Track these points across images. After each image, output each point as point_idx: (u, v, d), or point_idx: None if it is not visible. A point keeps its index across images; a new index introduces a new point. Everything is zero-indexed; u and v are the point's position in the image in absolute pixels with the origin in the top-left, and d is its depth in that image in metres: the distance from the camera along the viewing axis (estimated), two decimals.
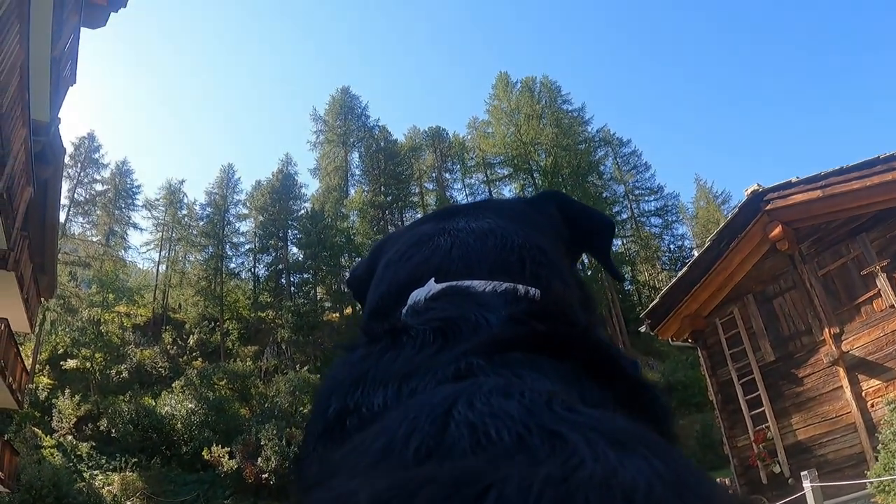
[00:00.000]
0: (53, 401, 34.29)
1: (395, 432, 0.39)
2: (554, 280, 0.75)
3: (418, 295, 0.71)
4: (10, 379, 17.51)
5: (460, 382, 0.49)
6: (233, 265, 56.46)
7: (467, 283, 0.71)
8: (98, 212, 55.96)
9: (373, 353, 0.60)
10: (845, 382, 10.65)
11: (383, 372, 0.56)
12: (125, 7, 14.70)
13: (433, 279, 0.73)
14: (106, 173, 57.64)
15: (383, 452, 0.38)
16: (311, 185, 66.92)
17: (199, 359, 43.21)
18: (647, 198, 60.60)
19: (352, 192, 61.54)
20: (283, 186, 59.77)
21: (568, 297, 0.75)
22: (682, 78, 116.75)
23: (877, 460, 9.09)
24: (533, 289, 0.70)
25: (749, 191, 12.12)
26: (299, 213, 58.73)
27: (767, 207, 11.77)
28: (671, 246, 58.46)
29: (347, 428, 0.53)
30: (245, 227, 59.64)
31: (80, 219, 55.29)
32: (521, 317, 0.62)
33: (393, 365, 0.57)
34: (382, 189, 60.24)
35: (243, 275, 56.78)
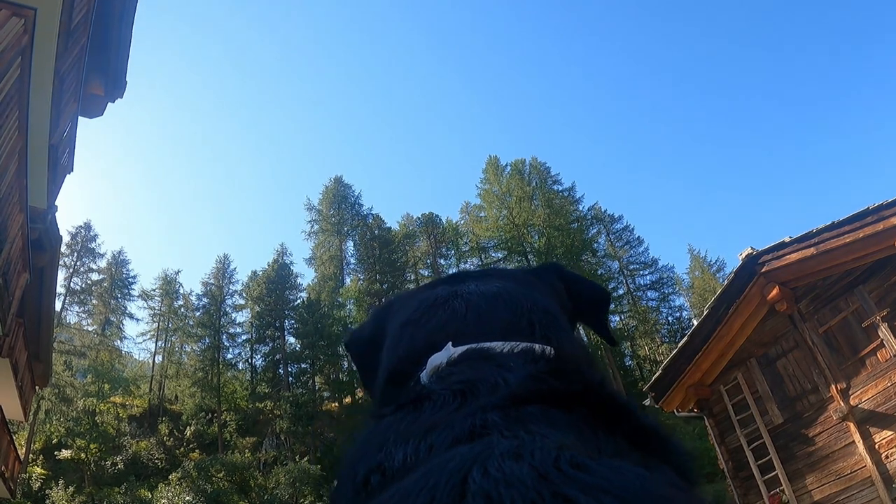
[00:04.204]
0: (47, 491, 33.58)
1: (415, 502, 0.40)
2: (563, 341, 0.80)
3: (437, 360, 0.73)
4: (3, 468, 17.11)
5: (476, 441, 0.50)
6: (230, 356, 56.03)
7: (487, 344, 0.74)
8: (94, 301, 55.99)
9: (398, 418, 0.63)
10: (857, 437, 10.52)
11: (405, 431, 0.58)
12: (122, 98, 14.97)
13: (450, 343, 0.76)
14: (102, 263, 58.13)
15: None
16: (306, 275, 67.59)
17: (197, 450, 42.35)
18: (642, 272, 60.76)
19: (347, 280, 61.85)
20: (279, 276, 60.09)
21: (577, 356, 0.79)
22: (666, 147, 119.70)
23: None
24: (548, 347, 0.74)
25: (743, 255, 12.16)
26: (296, 303, 58.82)
27: (763, 270, 11.80)
28: (669, 318, 58.20)
29: (371, 485, 0.54)
30: (241, 317, 59.63)
31: (76, 308, 55.32)
32: (539, 374, 0.64)
33: (414, 425, 0.59)
34: (378, 277, 60.26)
35: (240, 365, 56.27)
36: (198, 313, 57.82)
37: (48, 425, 39.21)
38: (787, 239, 11.40)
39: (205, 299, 58.81)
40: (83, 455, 37.99)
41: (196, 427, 45.40)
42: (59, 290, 43.34)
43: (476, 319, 0.82)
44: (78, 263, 55.27)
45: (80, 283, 55.51)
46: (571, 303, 1.02)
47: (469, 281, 0.94)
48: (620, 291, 58.53)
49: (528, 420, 0.54)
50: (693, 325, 15.57)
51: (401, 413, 0.64)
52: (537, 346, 0.73)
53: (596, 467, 0.40)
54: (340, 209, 66.71)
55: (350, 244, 66.28)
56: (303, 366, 54.21)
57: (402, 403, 0.66)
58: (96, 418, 40.32)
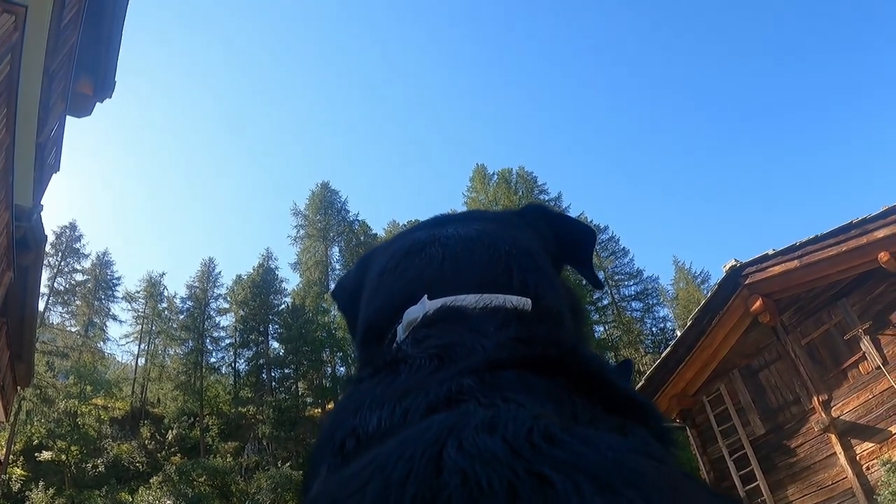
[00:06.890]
0: (27, 493, 33.11)
1: (391, 475, 0.39)
2: (542, 287, 0.78)
3: (413, 314, 0.73)
4: None
5: (451, 409, 0.50)
6: (213, 360, 55.45)
7: (460, 299, 0.73)
8: (77, 302, 55.31)
9: (375, 382, 0.63)
10: (838, 448, 10.61)
11: (380, 395, 0.58)
12: (111, 97, 14.94)
13: (426, 296, 0.75)
14: (87, 263, 57.43)
15: (381, 496, 0.38)
16: (291, 280, 67.10)
17: (178, 454, 41.88)
18: (626, 282, 60.71)
19: (332, 286, 61.56)
20: (264, 281, 59.72)
21: (557, 305, 0.78)
22: (653, 158, 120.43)
23: None
24: (523, 300, 0.73)
25: (727, 266, 12.27)
26: (280, 308, 58.38)
27: (747, 282, 11.90)
28: (653, 329, 58.31)
29: (347, 449, 0.54)
30: (226, 321, 59.04)
31: (60, 308, 54.57)
32: (510, 341, 0.63)
33: (389, 388, 0.59)
34: None
35: (223, 370, 55.73)
36: (182, 316, 57.26)
37: (29, 426, 38.65)
38: (771, 251, 11.49)
39: (189, 302, 58.31)
40: (64, 457, 37.51)
41: (178, 431, 44.91)
42: (43, 290, 42.97)
43: (452, 268, 0.80)
44: (62, 263, 54.69)
45: (63, 284, 54.94)
46: (556, 243, 0.99)
47: (449, 224, 0.92)
48: (605, 302, 58.66)
49: (504, 386, 0.54)
50: (677, 335, 15.70)
51: (378, 377, 0.64)
52: (510, 303, 0.72)
53: (569, 440, 0.39)
54: (327, 215, 66.56)
55: (336, 250, 66.10)
56: (286, 371, 53.82)
57: (379, 367, 0.66)
58: (78, 420, 39.86)
